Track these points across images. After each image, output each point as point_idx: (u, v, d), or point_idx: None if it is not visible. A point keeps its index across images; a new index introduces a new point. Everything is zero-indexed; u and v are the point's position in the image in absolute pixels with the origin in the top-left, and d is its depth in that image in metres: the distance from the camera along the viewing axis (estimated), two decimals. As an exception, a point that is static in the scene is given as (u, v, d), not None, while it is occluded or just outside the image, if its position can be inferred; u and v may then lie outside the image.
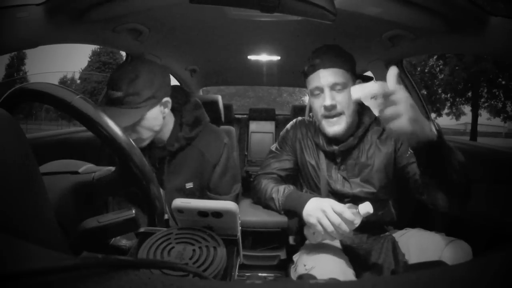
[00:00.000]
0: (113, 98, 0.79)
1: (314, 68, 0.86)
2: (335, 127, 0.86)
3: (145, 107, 0.82)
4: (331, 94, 0.84)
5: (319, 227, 0.73)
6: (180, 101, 0.96)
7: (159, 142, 0.92)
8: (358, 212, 0.69)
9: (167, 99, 0.87)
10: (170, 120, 0.94)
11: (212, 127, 1.01)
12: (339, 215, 0.70)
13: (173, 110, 0.94)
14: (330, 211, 0.71)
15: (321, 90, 0.86)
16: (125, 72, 0.80)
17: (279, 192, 0.88)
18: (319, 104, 0.86)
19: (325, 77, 0.84)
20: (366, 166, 0.89)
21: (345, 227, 0.70)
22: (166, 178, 0.92)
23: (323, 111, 0.86)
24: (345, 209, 0.70)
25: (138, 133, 0.84)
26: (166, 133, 0.92)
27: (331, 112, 0.85)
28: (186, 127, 0.93)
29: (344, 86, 0.84)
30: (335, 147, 0.90)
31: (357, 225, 0.71)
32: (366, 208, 0.68)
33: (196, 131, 0.94)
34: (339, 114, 0.85)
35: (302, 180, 1.00)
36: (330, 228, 0.71)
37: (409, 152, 0.84)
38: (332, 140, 0.90)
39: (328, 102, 0.83)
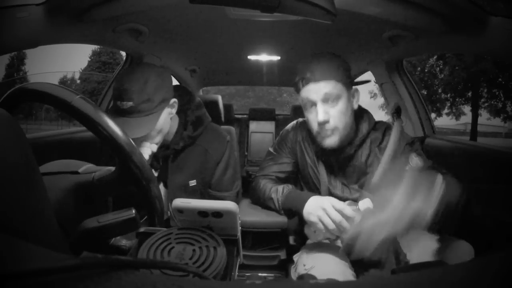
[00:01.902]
0: (124, 108, 0.78)
1: (304, 82, 0.83)
2: (329, 139, 0.84)
3: (158, 112, 0.82)
4: (324, 109, 0.81)
5: (320, 225, 0.73)
6: (184, 100, 0.96)
7: (163, 141, 0.93)
8: (359, 209, 0.70)
9: (174, 100, 0.88)
10: (175, 120, 0.95)
11: (214, 126, 1.02)
12: (340, 212, 0.71)
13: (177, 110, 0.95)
14: (331, 208, 0.72)
15: (313, 103, 0.82)
16: (132, 80, 0.79)
17: (278, 191, 0.88)
18: (313, 118, 0.84)
19: (316, 91, 0.81)
20: (365, 173, 0.88)
21: (346, 224, 0.70)
22: (169, 176, 0.93)
23: (317, 127, 0.83)
24: (346, 206, 0.71)
25: (150, 138, 0.84)
26: (171, 133, 0.93)
27: (325, 126, 0.82)
28: (190, 126, 0.94)
29: (337, 98, 0.81)
30: (333, 158, 0.89)
31: (357, 221, 0.71)
32: (366, 204, 0.69)
33: (199, 130, 0.95)
34: (333, 129, 0.83)
35: (303, 181, 1.00)
36: (331, 225, 0.71)
37: (408, 166, 0.81)
38: (329, 150, 0.88)
39: (321, 118, 0.80)
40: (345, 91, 0.83)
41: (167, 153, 0.93)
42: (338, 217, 0.71)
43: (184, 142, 0.92)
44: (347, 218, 0.70)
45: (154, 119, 0.81)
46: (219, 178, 0.97)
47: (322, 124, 0.82)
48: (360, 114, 0.90)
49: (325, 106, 0.81)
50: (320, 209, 0.73)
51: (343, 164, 0.90)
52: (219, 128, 1.03)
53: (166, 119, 0.88)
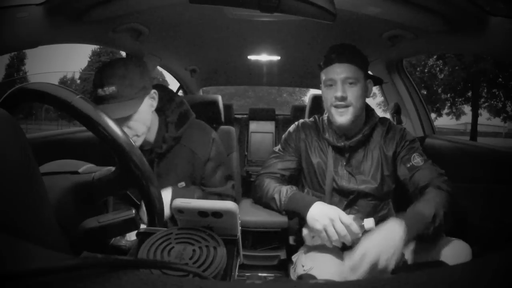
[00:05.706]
0: (106, 94, 0.79)
1: (330, 62, 0.90)
2: (343, 117, 0.89)
3: (139, 97, 0.82)
4: (342, 87, 0.88)
5: (324, 234, 0.75)
6: (164, 100, 0.94)
7: (146, 144, 0.90)
8: (363, 226, 0.73)
9: (154, 90, 0.88)
10: (155, 120, 0.92)
11: (198, 123, 1.00)
12: (346, 227, 0.73)
13: (157, 110, 0.92)
14: (338, 221, 0.74)
15: (334, 82, 0.89)
16: (114, 67, 0.80)
17: (281, 192, 0.88)
18: (331, 94, 0.90)
19: (339, 71, 0.88)
20: (371, 164, 0.92)
21: (349, 238, 0.73)
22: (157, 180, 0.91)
23: (334, 100, 0.89)
24: (352, 222, 0.73)
25: (133, 129, 0.83)
26: (152, 134, 0.91)
27: (341, 102, 0.88)
28: (171, 126, 0.92)
29: (356, 82, 0.88)
30: (346, 142, 0.92)
31: (359, 237, 0.73)
32: (370, 224, 0.73)
33: (182, 130, 0.93)
34: (348, 105, 0.89)
35: (305, 180, 1.00)
36: (335, 237, 0.74)
37: (409, 164, 0.88)
38: (342, 135, 0.94)
39: (339, 93, 0.88)
40: (363, 79, 0.91)
41: (151, 158, 0.90)
42: (343, 231, 0.73)
43: (167, 144, 0.90)
44: (351, 233, 0.73)
45: (137, 103, 0.81)
46: (209, 176, 0.95)
47: (340, 100, 0.88)
48: (368, 110, 0.97)
49: (344, 85, 0.89)
50: (327, 218, 0.75)
51: (353, 152, 0.94)
52: (204, 125, 1.00)
53: (148, 110, 0.86)
